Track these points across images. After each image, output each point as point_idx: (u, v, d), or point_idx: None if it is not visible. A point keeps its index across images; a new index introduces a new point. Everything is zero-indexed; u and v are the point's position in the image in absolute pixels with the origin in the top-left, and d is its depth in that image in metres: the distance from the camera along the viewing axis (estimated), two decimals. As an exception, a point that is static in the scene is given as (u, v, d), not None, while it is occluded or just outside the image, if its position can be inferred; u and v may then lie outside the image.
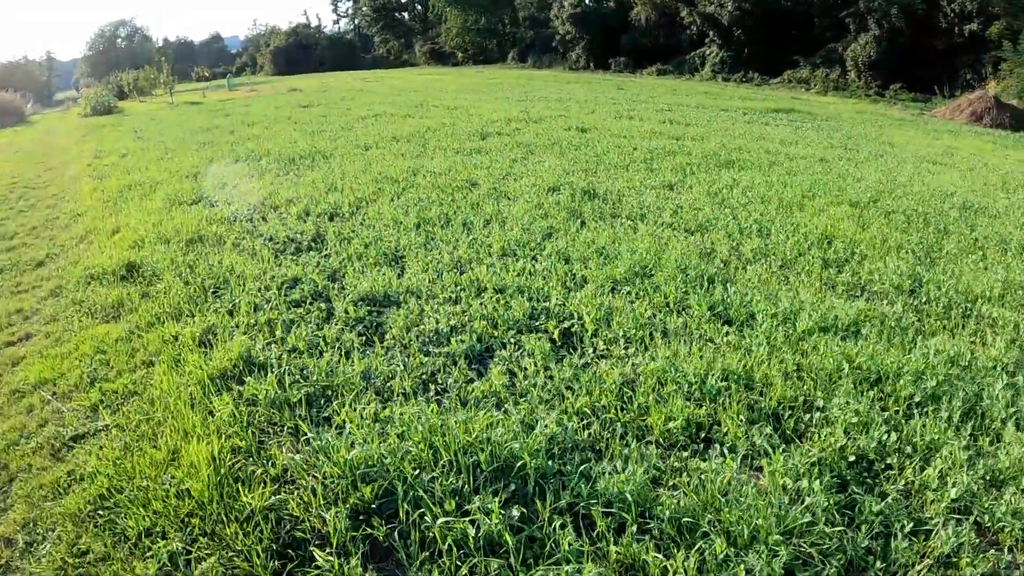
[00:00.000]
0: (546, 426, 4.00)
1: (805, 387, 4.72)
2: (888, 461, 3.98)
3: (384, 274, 6.61)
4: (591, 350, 5.11)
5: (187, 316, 5.90)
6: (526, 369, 4.78)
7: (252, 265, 6.96)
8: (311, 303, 6.03)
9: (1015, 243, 8.47)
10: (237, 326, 5.53)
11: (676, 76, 47.61)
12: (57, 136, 25.36)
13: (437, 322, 5.48)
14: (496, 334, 5.33)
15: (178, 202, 10.10)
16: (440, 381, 4.65)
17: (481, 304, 5.81)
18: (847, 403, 4.47)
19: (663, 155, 13.32)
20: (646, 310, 5.72)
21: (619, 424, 4.22)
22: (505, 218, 8.55)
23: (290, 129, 17.61)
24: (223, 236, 8.16)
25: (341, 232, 8.04)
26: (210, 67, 72.91)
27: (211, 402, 4.37)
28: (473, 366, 4.89)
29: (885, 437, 4.11)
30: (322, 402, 4.42)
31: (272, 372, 4.60)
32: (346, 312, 5.73)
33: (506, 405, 4.32)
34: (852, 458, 3.97)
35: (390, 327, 5.47)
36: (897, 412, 4.44)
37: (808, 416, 4.44)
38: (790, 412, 4.50)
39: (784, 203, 9.64)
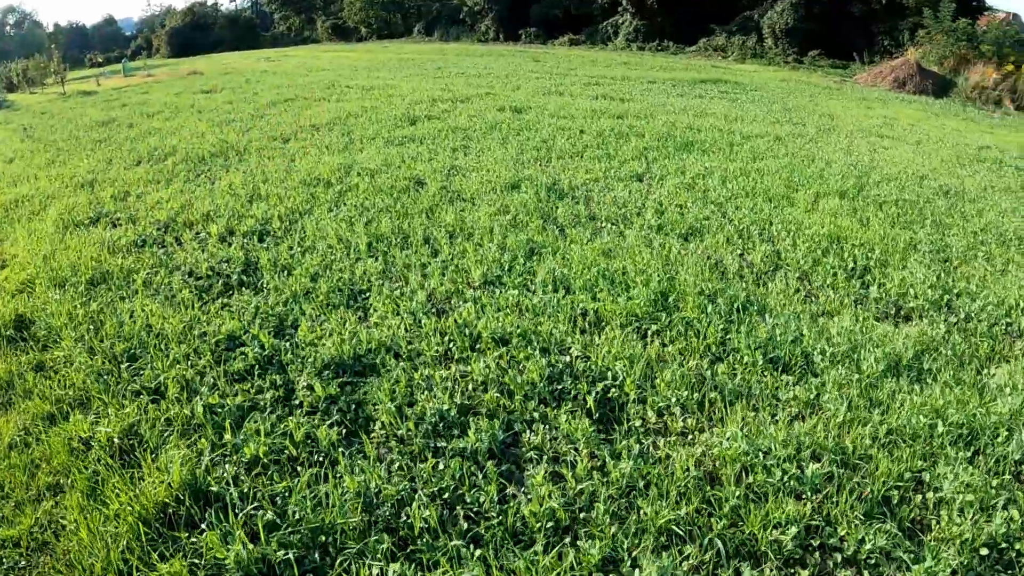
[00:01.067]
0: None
1: (905, 458, 3.84)
2: (1018, 547, 3.31)
3: (346, 322, 5.36)
4: (639, 423, 4.03)
5: (99, 403, 4.51)
6: (573, 466, 3.64)
7: (173, 316, 5.57)
8: (260, 375, 4.72)
9: (1012, 236, 7.89)
10: (169, 423, 4.19)
11: (589, 46, 46.68)
12: (-74, 135, 22.60)
13: (435, 398, 4.26)
14: (514, 409, 4.17)
15: (74, 223, 8.47)
16: (470, 502, 3.44)
17: (484, 365, 4.61)
18: (955, 475, 3.71)
19: (614, 137, 12.34)
20: (688, 359, 4.66)
21: (713, 537, 3.17)
22: (471, 230, 7.37)
23: (195, 120, 15.81)
24: (132, 270, 6.70)
25: (277, 259, 6.70)
26: (104, 51, 68.16)
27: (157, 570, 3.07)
28: (502, 467, 3.70)
29: (1009, 517, 3.42)
30: (319, 560, 3.16)
31: (233, 510, 3.32)
32: (310, 389, 4.44)
33: (579, 542, 3.16)
34: (984, 551, 3.26)
35: (375, 411, 4.23)
36: (1010, 479, 3.75)
37: (920, 498, 3.62)
38: (899, 494, 3.65)
39: (771, 196, 8.78)
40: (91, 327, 5.57)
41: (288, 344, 5.14)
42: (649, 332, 5.03)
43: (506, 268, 6.32)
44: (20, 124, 19.97)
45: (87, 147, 13.87)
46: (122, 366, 4.98)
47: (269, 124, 14.31)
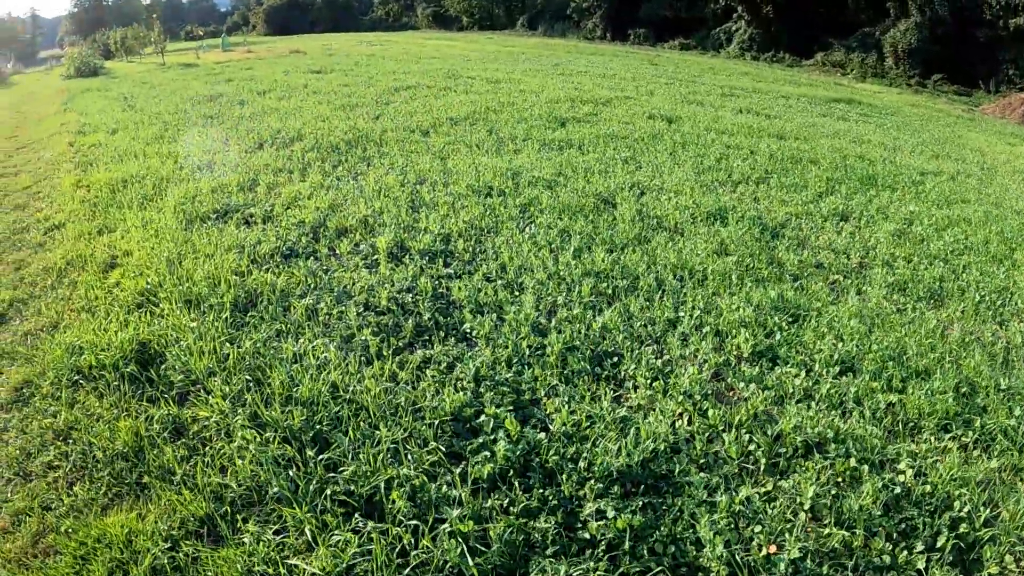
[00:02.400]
0: None
1: None
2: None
3: (601, 399, 3.77)
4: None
5: (290, 519, 2.97)
6: None
7: (363, 372, 4.00)
8: (523, 487, 3.16)
9: None
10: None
11: (700, 52, 44.51)
12: (36, 102, 21.94)
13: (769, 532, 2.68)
14: (861, 554, 2.72)
15: (198, 216, 7.05)
16: None
17: (809, 482, 3.06)
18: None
19: (789, 163, 10.50)
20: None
21: None
22: (699, 272, 5.79)
23: (313, 101, 14.44)
24: (286, 292, 5.17)
25: (476, 294, 5.10)
26: (200, 26, 68.62)
27: None
28: None
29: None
30: None
31: None
32: (601, 516, 2.93)
33: None
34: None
35: (700, 556, 2.65)
36: None
37: None
38: None
39: (993, 255, 7.11)
40: (249, 380, 4.03)
41: (544, 436, 3.54)
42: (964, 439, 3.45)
43: (771, 334, 4.70)
44: (120, 93, 18.99)
45: (197, 123, 12.59)
46: (307, 452, 3.41)
47: (399, 113, 12.80)
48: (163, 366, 4.35)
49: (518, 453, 3.43)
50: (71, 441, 3.89)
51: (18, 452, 3.90)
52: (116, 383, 4.26)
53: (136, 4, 76.26)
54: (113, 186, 8.60)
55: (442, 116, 12.25)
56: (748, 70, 33.98)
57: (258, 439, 3.54)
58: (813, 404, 4.03)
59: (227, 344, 4.39)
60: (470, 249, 5.95)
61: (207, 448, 3.66)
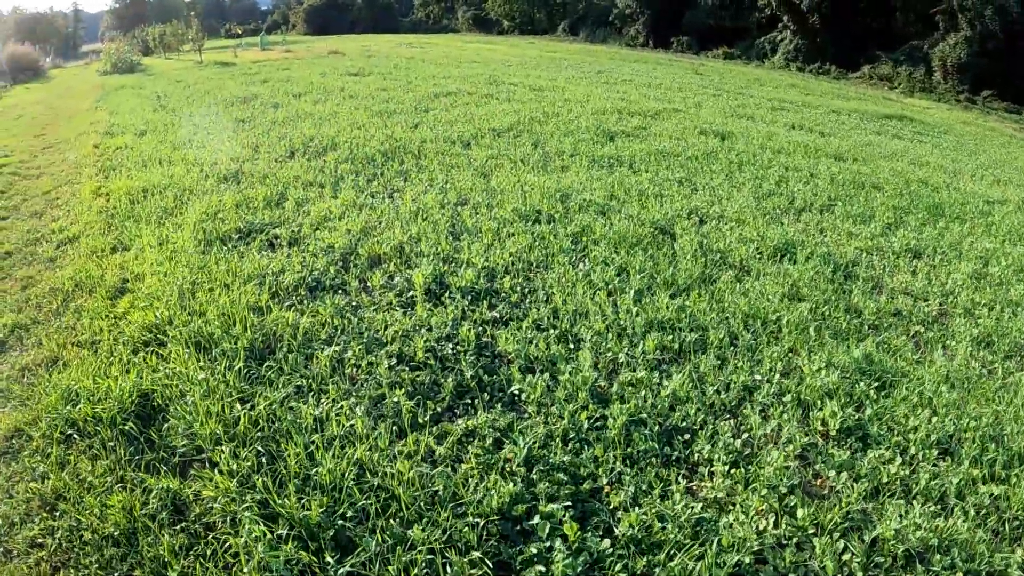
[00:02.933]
0: None
1: None
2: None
3: (672, 496, 3.14)
4: None
5: None
6: None
7: (395, 450, 3.41)
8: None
9: None
10: None
11: (745, 62, 43.51)
12: (70, 98, 21.70)
13: None
14: None
15: (218, 236, 6.50)
16: None
17: None
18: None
19: (852, 188, 9.76)
20: None
21: None
22: (772, 322, 5.17)
23: (350, 106, 13.92)
24: (309, 336, 4.57)
25: (527, 348, 4.47)
26: (240, 24, 68.91)
27: None
28: None
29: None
30: None
31: None
32: None
33: None
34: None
35: None
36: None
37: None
38: None
39: None
40: (261, 452, 3.43)
41: (608, 544, 2.93)
42: None
43: (860, 406, 4.08)
44: (154, 91, 18.66)
45: (227, 127, 12.12)
46: (326, 557, 2.81)
47: (439, 121, 12.23)
48: (166, 426, 3.77)
49: (579, 569, 2.81)
50: (59, 514, 3.33)
51: (1, 520, 3.35)
52: (112, 443, 3.69)
53: (177, 1, 76.82)
54: (133, 196, 8.10)
55: (484, 126, 11.65)
56: (795, 82, 33.00)
57: (268, 536, 2.93)
58: (913, 502, 3.38)
59: (238, 404, 3.80)
60: (518, 288, 5.32)
61: (210, 537, 3.08)
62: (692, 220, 7.29)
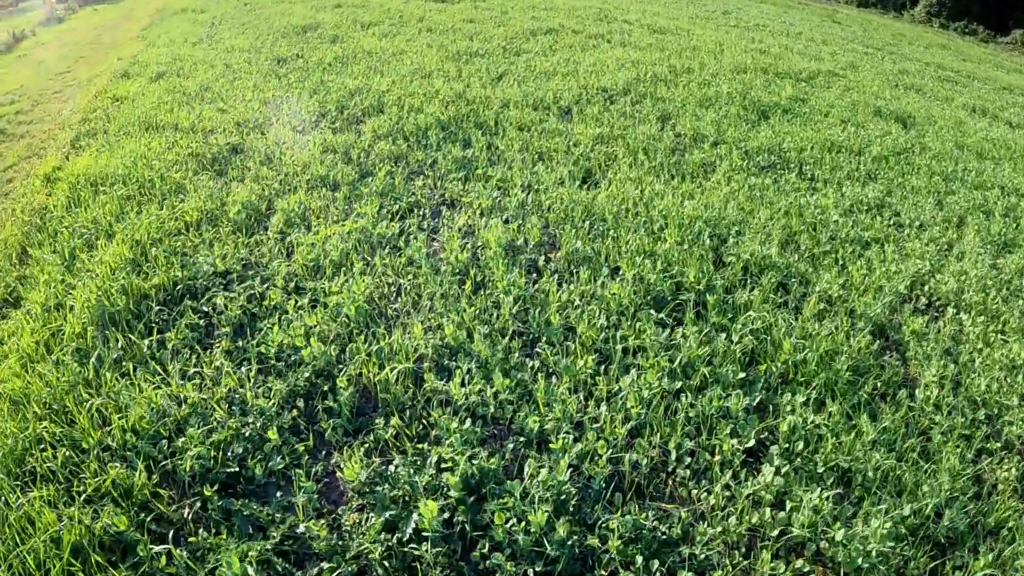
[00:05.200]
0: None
1: None
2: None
3: None
4: None
5: None
6: None
7: None
8: None
9: None
10: None
11: (881, 12, 37.64)
12: (129, 22, 19.35)
13: None
14: None
15: (131, 307, 3.78)
16: None
17: None
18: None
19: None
20: None
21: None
22: None
23: (423, 43, 10.84)
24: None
25: None
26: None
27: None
28: None
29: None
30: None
31: None
32: None
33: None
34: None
35: None
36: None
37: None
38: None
39: None
40: None
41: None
42: None
43: None
44: (213, 17, 15.94)
45: (263, 69, 9.31)
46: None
47: (531, 71, 9.06)
48: None
49: None
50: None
51: None
52: None
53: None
54: (79, 191, 5.53)
55: (592, 84, 8.44)
56: (943, 41, 27.60)
57: None
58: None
59: None
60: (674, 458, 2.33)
61: None
62: (921, 318, 4.03)
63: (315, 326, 3.52)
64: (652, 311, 3.62)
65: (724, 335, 3.50)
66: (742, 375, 3.17)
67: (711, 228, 4.67)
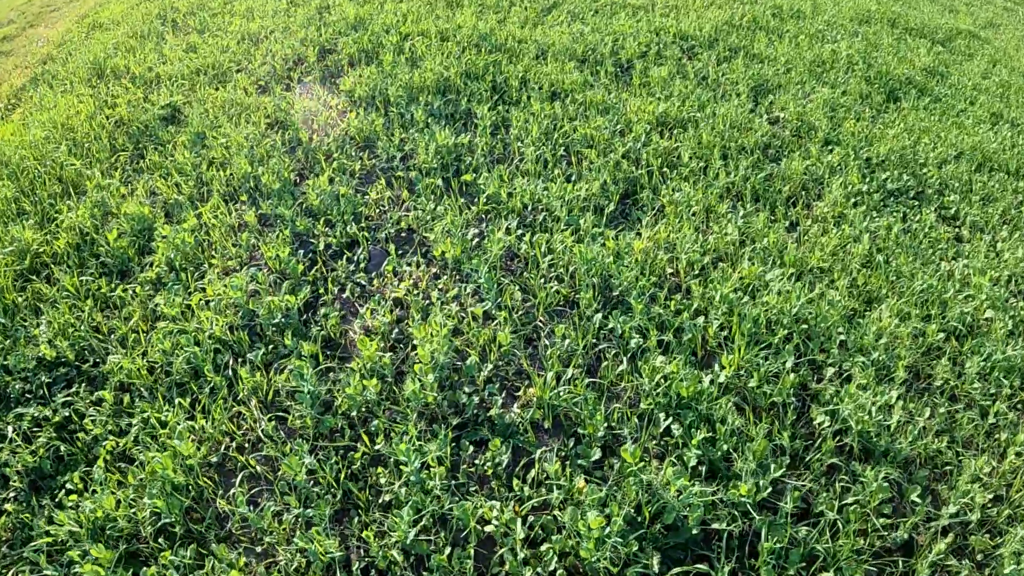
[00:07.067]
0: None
1: None
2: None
3: None
4: None
5: None
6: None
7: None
8: None
9: None
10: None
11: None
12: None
13: None
14: None
15: None
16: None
17: None
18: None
19: None
20: None
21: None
22: None
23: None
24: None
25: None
26: None
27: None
28: None
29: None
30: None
31: None
32: None
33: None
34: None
35: None
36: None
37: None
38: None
39: None
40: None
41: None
42: None
43: None
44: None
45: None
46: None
47: (592, 1, 7.02)
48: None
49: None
50: None
51: None
52: None
53: None
54: None
55: (669, 27, 6.38)
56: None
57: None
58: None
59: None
60: None
61: None
62: None
63: (107, 516, 2.04)
64: None
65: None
66: None
67: (798, 346, 2.87)
